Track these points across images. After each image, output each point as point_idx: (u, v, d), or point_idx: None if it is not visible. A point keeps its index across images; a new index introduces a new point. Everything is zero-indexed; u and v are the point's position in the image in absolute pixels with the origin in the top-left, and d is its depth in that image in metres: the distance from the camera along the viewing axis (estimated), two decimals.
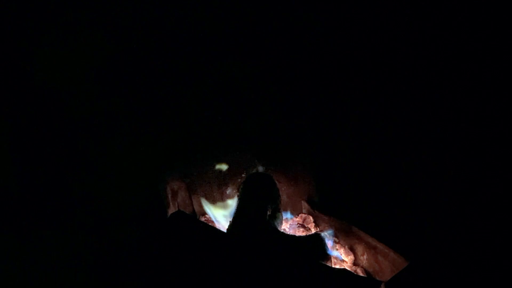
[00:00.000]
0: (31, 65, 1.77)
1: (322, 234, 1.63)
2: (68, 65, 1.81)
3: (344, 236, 1.68)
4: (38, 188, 1.77)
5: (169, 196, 1.73)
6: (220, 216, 1.74)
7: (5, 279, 1.54)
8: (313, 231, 1.74)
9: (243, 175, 1.82)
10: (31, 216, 1.72)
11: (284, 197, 1.82)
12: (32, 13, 1.74)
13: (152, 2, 1.85)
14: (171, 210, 1.70)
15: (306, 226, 1.76)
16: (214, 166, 1.84)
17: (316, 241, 1.52)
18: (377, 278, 1.50)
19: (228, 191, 1.85)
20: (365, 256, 1.60)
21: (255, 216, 1.58)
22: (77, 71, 1.82)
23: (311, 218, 1.80)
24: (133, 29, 1.85)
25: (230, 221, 1.63)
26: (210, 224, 1.73)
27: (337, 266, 1.56)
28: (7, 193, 1.73)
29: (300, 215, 1.84)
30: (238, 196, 1.70)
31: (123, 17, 1.83)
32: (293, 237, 1.59)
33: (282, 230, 1.67)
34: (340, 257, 1.62)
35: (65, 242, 1.63)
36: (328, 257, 1.50)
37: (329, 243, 1.60)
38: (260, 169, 1.79)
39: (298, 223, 1.77)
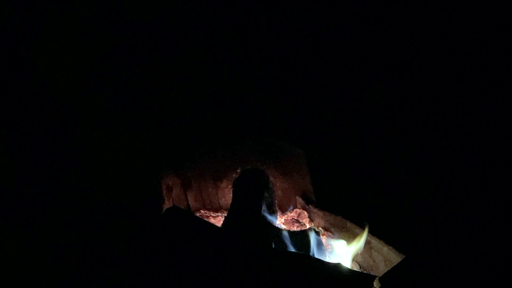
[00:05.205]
0: (26, 62, 1.76)
1: (317, 229, 1.64)
2: (64, 61, 1.80)
3: (338, 231, 1.68)
4: (32, 184, 1.76)
5: (164, 191, 1.73)
6: None
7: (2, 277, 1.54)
8: (307, 226, 1.75)
9: (238, 170, 1.82)
10: (25, 212, 1.71)
11: (278, 193, 1.82)
12: (30, 12, 1.73)
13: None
14: (166, 205, 1.70)
15: (301, 221, 1.77)
16: (209, 161, 1.84)
17: (311, 236, 1.52)
18: (371, 273, 1.51)
19: (223, 186, 1.85)
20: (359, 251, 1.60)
21: (249, 212, 1.58)
22: (72, 67, 1.81)
23: (305, 213, 1.81)
24: (130, 25, 1.84)
25: (225, 216, 1.63)
26: (205, 219, 1.73)
27: (331, 261, 1.57)
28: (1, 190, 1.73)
29: (294, 210, 1.85)
30: (232, 191, 1.70)
31: (121, 14, 1.82)
32: (287, 231, 1.60)
33: (276, 225, 1.68)
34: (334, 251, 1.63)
35: (59, 239, 1.63)
36: (322, 251, 1.50)
37: (323, 238, 1.61)
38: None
39: (292, 218, 1.77)
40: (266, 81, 1.97)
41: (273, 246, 1.48)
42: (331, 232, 1.70)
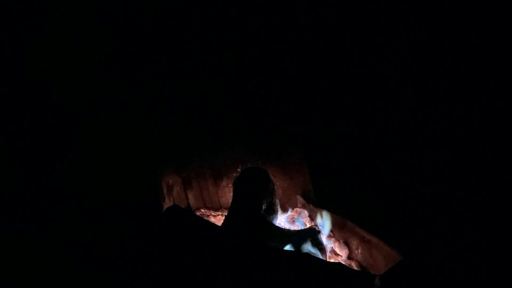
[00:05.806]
0: (26, 61, 1.76)
1: (317, 228, 1.64)
2: (65, 61, 1.80)
3: (338, 230, 1.68)
4: (33, 183, 1.76)
5: (165, 190, 1.73)
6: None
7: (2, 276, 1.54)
8: (308, 225, 1.75)
9: (238, 170, 1.82)
10: (26, 211, 1.71)
11: (279, 192, 1.82)
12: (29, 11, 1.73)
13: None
14: (167, 204, 1.70)
15: (301, 220, 1.77)
16: (209, 160, 1.84)
17: (311, 235, 1.52)
18: (372, 272, 1.51)
19: (224, 185, 1.85)
20: (359, 250, 1.60)
21: (250, 211, 1.58)
22: (77, 67, 1.81)
23: (306, 212, 1.81)
24: (133, 26, 1.84)
25: (225, 215, 1.63)
26: (205, 218, 1.73)
27: (332, 260, 1.57)
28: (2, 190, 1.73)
29: (295, 209, 1.85)
30: (233, 190, 1.70)
31: (125, 13, 1.82)
32: (288, 231, 1.60)
33: (277, 224, 1.68)
34: (335, 251, 1.63)
35: (60, 237, 1.63)
36: (323, 251, 1.50)
37: (323, 237, 1.61)
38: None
39: (293, 217, 1.77)
40: (266, 80, 1.97)
41: (273, 246, 1.48)
42: (331, 231, 1.70)
